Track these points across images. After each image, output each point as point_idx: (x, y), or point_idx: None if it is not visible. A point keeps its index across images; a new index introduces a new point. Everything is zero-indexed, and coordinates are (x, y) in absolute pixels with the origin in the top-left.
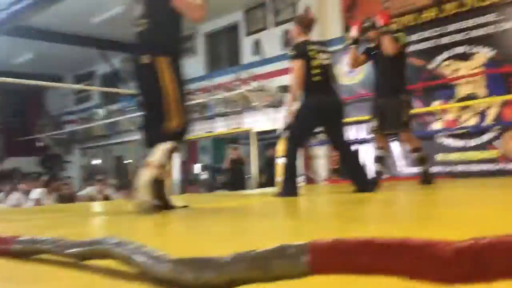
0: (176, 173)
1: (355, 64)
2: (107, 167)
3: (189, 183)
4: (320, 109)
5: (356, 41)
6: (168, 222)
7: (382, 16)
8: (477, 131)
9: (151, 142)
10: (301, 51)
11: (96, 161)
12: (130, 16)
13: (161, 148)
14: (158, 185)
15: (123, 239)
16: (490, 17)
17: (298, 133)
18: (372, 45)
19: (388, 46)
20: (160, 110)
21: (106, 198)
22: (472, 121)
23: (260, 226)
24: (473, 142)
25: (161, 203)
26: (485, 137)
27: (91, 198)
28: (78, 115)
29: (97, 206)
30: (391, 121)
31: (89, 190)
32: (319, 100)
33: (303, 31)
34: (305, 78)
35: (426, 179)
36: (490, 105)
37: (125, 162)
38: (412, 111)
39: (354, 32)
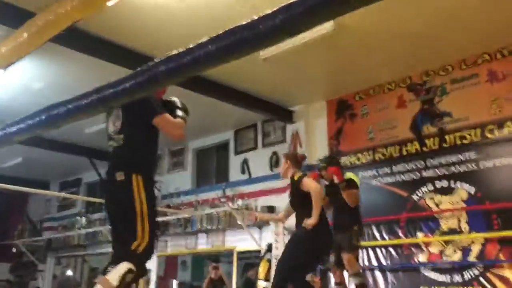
0: None
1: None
2: (80, 278)
3: None
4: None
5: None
6: None
7: (336, 174)
8: (461, 266)
9: (116, 258)
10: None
11: (69, 272)
12: (104, 131)
13: (119, 269)
14: None
15: None
16: (471, 155)
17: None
18: (326, 183)
19: (349, 200)
20: (129, 228)
21: None
22: (457, 256)
23: None
24: (457, 278)
25: None
26: (470, 273)
27: None
28: (59, 222)
29: None
30: (342, 244)
31: None
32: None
33: (295, 167)
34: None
35: None
36: (473, 241)
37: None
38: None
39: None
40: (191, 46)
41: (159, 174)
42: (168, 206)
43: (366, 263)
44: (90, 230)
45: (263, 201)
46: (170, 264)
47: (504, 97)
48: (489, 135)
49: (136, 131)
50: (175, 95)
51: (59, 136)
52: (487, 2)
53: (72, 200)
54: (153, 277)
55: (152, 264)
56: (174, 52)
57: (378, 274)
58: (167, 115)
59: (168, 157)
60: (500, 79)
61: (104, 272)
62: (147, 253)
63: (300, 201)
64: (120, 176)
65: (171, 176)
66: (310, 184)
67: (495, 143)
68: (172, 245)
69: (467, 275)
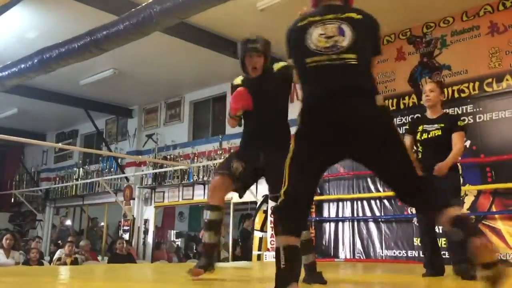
0: (150, 238)
1: None
2: (80, 228)
3: (157, 248)
4: None
5: None
6: None
7: None
8: None
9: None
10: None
11: (68, 222)
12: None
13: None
14: None
15: None
16: (468, 108)
17: None
18: None
19: None
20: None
21: (75, 261)
22: None
23: None
24: None
25: None
26: None
27: (60, 261)
28: (56, 173)
29: (64, 271)
30: None
31: (59, 252)
32: None
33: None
34: None
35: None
36: (466, 193)
37: (98, 224)
38: None
39: None
40: None
41: (156, 126)
42: (165, 158)
43: (361, 214)
44: (88, 181)
45: None
46: (168, 215)
47: (504, 50)
48: (487, 89)
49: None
50: (171, 45)
51: (54, 87)
52: None
53: (69, 151)
54: (151, 227)
55: (149, 214)
56: None
57: (372, 225)
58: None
59: (165, 109)
60: (501, 31)
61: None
62: None
63: None
64: (380, 100)
65: (168, 128)
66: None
67: (492, 97)
68: (170, 196)
69: None
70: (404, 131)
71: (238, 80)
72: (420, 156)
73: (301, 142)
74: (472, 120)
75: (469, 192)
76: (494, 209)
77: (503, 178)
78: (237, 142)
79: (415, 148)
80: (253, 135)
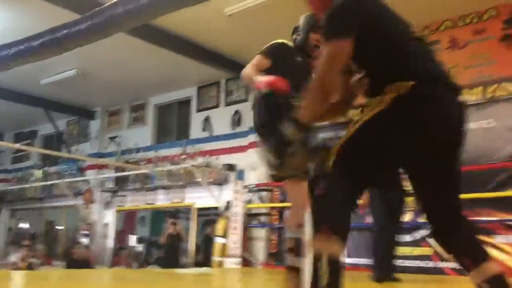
0: (110, 243)
1: None
2: (36, 231)
3: (116, 253)
4: None
5: None
6: None
7: None
8: (412, 226)
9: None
10: None
11: (25, 224)
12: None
13: None
14: None
15: None
16: None
17: None
18: None
19: None
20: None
21: (30, 266)
22: (408, 217)
23: None
24: (407, 238)
25: None
26: (419, 234)
27: (15, 265)
28: (13, 174)
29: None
30: None
31: (13, 256)
32: None
33: None
34: None
35: None
36: None
37: (56, 227)
38: None
39: None
40: None
41: (119, 129)
42: (128, 162)
43: None
44: (47, 183)
45: (224, 159)
46: (129, 219)
47: (463, 65)
48: None
49: None
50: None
51: (13, 85)
52: None
53: (27, 152)
54: (111, 231)
55: (110, 219)
56: None
57: None
58: None
59: (129, 111)
60: (461, 46)
61: None
62: None
63: None
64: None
65: (131, 131)
66: None
67: None
68: (131, 200)
69: (416, 235)
70: None
71: None
72: None
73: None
74: None
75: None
76: None
77: (461, 189)
78: (201, 146)
79: None
80: None
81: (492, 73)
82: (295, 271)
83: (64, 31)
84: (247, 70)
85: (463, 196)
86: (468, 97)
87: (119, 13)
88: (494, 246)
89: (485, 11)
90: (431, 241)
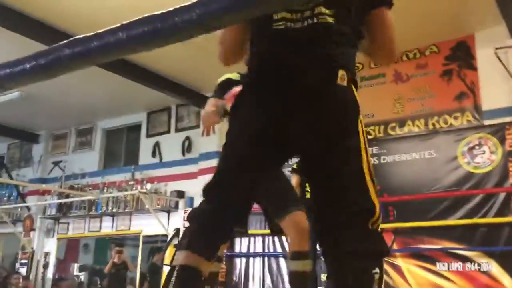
0: (49, 272)
1: None
2: None
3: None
4: None
5: None
6: None
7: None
8: None
9: None
10: None
11: None
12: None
13: None
14: None
15: None
16: (374, 150)
17: None
18: None
19: None
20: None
21: None
22: None
23: None
24: None
25: None
26: None
27: None
28: None
29: None
30: None
31: None
32: None
33: None
34: None
35: None
36: None
37: None
38: None
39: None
40: (100, 31)
41: (64, 154)
42: (72, 187)
43: (272, 249)
44: None
45: (174, 185)
46: (71, 247)
47: (407, 97)
48: (391, 132)
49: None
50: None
51: None
52: (393, 10)
53: None
54: (52, 260)
55: (51, 247)
56: (81, 36)
57: (282, 260)
58: None
59: (75, 135)
60: (405, 80)
61: None
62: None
63: None
64: (343, 77)
65: (77, 156)
66: None
67: (396, 140)
68: (74, 228)
69: None
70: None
71: None
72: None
73: None
74: (377, 161)
75: None
76: (395, 247)
77: (404, 217)
78: (150, 173)
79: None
80: None
81: (433, 106)
82: None
83: (7, 70)
84: None
85: (407, 224)
86: (411, 128)
87: (66, 55)
88: (437, 273)
89: (426, 47)
90: None
